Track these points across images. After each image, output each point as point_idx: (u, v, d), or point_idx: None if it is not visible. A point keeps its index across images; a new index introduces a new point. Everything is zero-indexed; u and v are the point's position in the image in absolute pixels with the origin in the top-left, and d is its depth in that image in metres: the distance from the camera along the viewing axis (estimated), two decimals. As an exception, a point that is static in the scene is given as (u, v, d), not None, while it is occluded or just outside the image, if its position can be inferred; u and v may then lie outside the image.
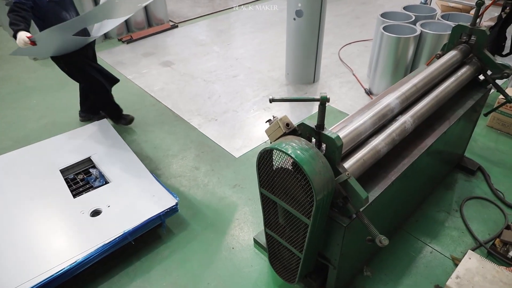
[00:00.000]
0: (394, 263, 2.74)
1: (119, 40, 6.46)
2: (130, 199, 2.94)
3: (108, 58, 5.93)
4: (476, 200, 3.20)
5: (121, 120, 4.25)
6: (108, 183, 3.13)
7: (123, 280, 2.69)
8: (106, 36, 6.55)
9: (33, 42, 2.95)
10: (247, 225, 3.08)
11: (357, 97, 4.72)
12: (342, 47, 6.00)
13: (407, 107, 2.44)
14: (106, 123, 3.84)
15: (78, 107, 4.39)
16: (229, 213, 3.20)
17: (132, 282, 2.68)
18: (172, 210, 2.88)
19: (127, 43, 6.36)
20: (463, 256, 2.37)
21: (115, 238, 2.61)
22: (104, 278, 2.71)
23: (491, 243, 2.80)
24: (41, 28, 3.33)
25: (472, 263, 2.23)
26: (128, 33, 6.70)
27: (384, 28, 4.30)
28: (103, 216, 2.80)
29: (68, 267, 2.43)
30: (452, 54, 2.78)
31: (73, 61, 3.62)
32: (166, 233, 3.01)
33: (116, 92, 5.03)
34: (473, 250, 2.76)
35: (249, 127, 4.26)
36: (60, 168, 3.26)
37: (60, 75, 4.08)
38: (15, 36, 3.03)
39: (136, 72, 5.51)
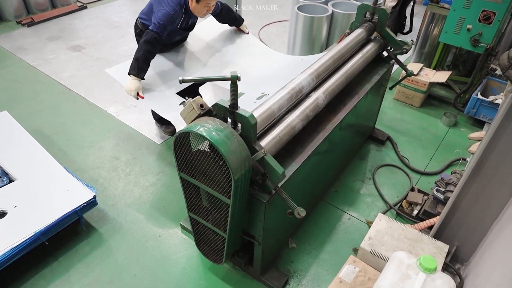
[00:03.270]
0: (316, 232, 2.91)
1: (18, 22, 5.77)
2: (41, 197, 2.70)
3: (5, 43, 5.28)
4: (386, 167, 3.50)
5: (163, 126, 3.74)
6: (13, 181, 2.83)
7: (39, 283, 2.49)
8: (1, 18, 5.82)
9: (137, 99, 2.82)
10: (173, 211, 3.02)
11: (277, 77, 4.82)
12: (262, 28, 6.04)
13: (320, 84, 2.55)
14: (6, 115, 3.44)
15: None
16: (155, 201, 3.11)
17: (49, 284, 2.49)
18: (90, 204, 2.72)
19: (28, 26, 5.71)
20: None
21: (25, 240, 2.39)
22: (15, 285, 2.48)
23: (399, 204, 3.10)
24: None
25: (382, 224, 2.44)
26: (29, 15, 6.00)
27: (299, 8, 4.42)
28: (9, 218, 2.54)
29: (-30, 278, 2.18)
30: (358, 32, 2.95)
31: None
32: (85, 228, 2.84)
33: (19, 80, 4.56)
34: (384, 212, 3.03)
35: (172, 111, 4.12)
36: (-48, 170, 2.87)
37: None
38: (129, 74, 2.79)
39: (41, 58, 4.99)
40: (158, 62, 3.18)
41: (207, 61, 3.35)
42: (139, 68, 2.78)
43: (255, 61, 3.35)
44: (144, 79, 2.85)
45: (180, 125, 2.66)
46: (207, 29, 3.58)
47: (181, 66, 3.25)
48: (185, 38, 3.38)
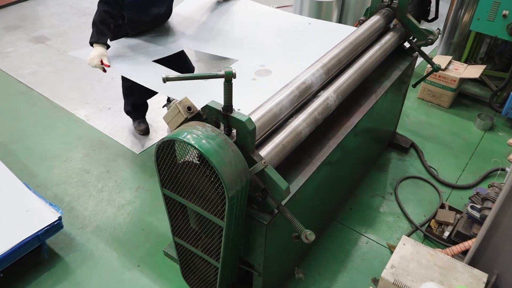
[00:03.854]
0: (328, 260, 2.88)
1: (-30, 10, 5.82)
2: (-6, 219, 2.68)
3: (-46, 34, 5.31)
4: (411, 180, 3.49)
5: (135, 122, 3.81)
6: (-39, 200, 2.82)
7: (-9, 325, 2.46)
8: (-51, 4, 5.85)
9: (104, 70, 2.83)
10: (155, 236, 3.00)
11: (279, 73, 4.83)
12: (260, 15, 6.07)
13: (330, 81, 2.55)
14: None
15: None
16: (132, 223, 3.08)
17: (4, 326, 2.46)
18: (55, 227, 2.70)
19: (-19, 13, 5.77)
20: (398, 243, 2.57)
21: (-25, 272, 2.37)
22: (-37, 327, 2.45)
23: (426, 225, 3.09)
24: (124, 24, 3.13)
25: (407, 249, 2.42)
26: (-18, 0, 6.06)
27: (304, -8, 4.45)
28: (-44, 245, 2.51)
29: None
30: (375, 19, 2.97)
31: None
32: (48, 257, 2.81)
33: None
34: (409, 234, 3.01)
35: (152, 115, 4.12)
36: None
37: None
38: (91, 44, 2.81)
39: (-3, 51, 5.03)
40: (135, 41, 3.20)
41: (193, 34, 3.39)
42: (98, 32, 2.80)
43: (251, 26, 3.40)
44: (108, 46, 2.86)
45: (161, 90, 2.72)
46: (191, 6, 3.65)
47: (161, 42, 3.26)
48: (165, 15, 3.36)
